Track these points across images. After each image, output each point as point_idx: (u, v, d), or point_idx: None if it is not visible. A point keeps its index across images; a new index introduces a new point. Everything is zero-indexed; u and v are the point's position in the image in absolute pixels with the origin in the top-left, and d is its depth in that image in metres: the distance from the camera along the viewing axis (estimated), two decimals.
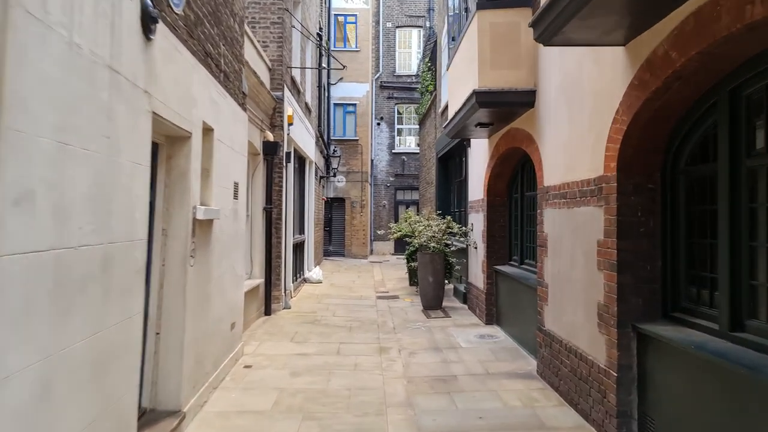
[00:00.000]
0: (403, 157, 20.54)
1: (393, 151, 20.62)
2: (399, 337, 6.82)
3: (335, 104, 18.87)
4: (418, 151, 20.10)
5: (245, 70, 6.24)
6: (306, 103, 11.83)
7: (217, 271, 4.70)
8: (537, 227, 5.19)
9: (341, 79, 18.75)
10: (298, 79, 10.55)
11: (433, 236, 8.65)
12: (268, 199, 8.11)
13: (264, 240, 8.05)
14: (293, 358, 5.75)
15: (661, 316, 3.43)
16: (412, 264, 10.44)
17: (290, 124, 8.98)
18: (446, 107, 11.71)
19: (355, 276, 13.62)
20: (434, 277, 8.61)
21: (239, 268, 5.65)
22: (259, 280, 7.82)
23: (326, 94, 18.02)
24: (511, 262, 7.15)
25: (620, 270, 3.43)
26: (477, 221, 8.00)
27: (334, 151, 16.75)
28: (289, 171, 9.63)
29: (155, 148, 3.68)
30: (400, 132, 20.99)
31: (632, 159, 3.41)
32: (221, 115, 4.71)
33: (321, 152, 15.85)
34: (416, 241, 8.99)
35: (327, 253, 18.64)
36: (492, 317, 7.38)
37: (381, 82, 20.53)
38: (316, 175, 14.30)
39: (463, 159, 10.31)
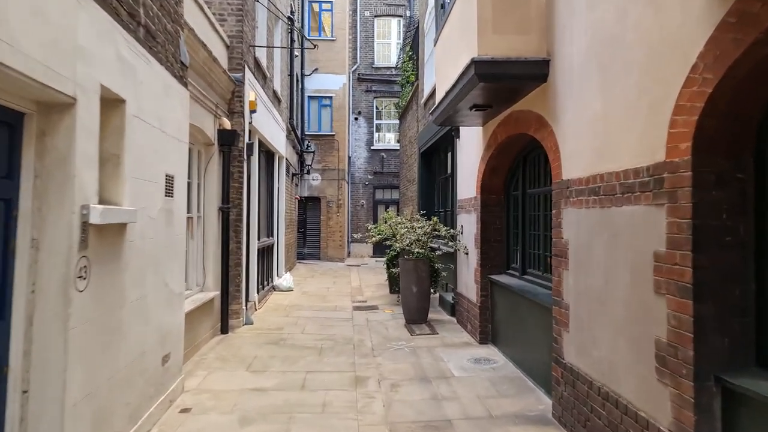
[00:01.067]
0: (383, 153, 19.43)
1: (372, 147, 19.50)
2: (378, 361, 5.70)
3: (310, 97, 17.66)
4: (398, 148, 19.04)
5: (187, 36, 5.04)
6: (274, 91, 10.62)
7: (135, 292, 3.52)
8: (552, 232, 4.13)
9: (316, 69, 17.56)
10: (264, 62, 9.34)
11: (417, 240, 7.56)
12: (225, 197, 6.90)
13: (220, 245, 6.85)
14: (247, 395, 4.58)
15: (754, 363, 2.39)
16: (393, 270, 9.35)
17: (253, 111, 7.78)
18: (430, 96, 10.65)
19: (331, 282, 12.46)
20: (418, 287, 7.53)
21: (176, 283, 4.45)
22: (214, 293, 6.61)
23: (300, 86, 16.82)
24: (510, 271, 6.11)
25: (698, 296, 2.38)
26: (468, 223, 6.94)
27: (308, 146, 15.57)
28: (253, 165, 8.44)
29: (17, 119, 2.49)
30: (379, 128, 19.87)
31: (716, 135, 2.36)
32: (142, 86, 3.53)
33: (293, 147, 14.64)
34: (398, 245, 7.90)
35: (301, 256, 17.43)
36: (487, 335, 6.32)
37: (359, 74, 19.38)
38: (287, 171, 13.10)
39: (450, 153, 9.26)
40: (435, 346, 6.33)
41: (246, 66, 7.60)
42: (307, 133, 17.16)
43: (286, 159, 12.86)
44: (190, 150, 6.04)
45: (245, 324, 7.39)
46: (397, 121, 19.17)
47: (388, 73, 19.49)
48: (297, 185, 16.40)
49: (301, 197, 17.20)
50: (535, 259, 5.47)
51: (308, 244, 17.83)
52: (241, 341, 6.50)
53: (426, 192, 11.88)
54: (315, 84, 17.57)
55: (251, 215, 8.39)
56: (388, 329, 7.32)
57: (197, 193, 6.47)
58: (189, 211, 6.07)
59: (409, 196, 14.26)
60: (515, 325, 5.49)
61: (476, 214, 6.48)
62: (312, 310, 8.67)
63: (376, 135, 19.68)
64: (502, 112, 5.45)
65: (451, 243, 7.43)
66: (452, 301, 7.92)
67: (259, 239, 9.21)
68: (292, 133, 13.57)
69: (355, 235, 8.75)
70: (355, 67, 19.27)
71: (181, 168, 4.52)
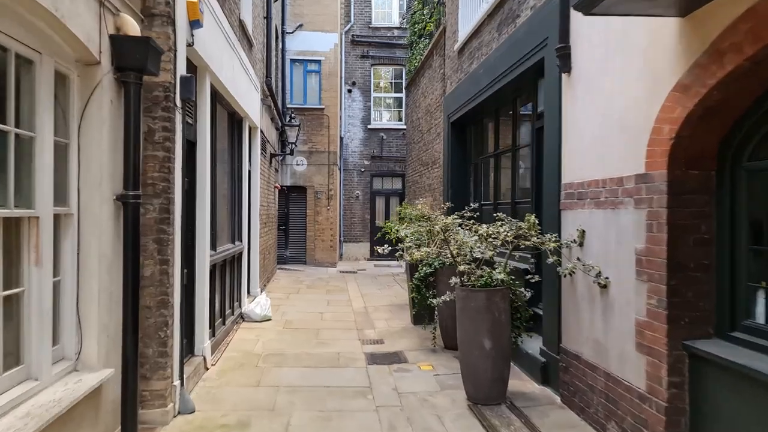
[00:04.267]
0: (382, 134, 16.01)
1: (368, 126, 16.05)
2: None
3: (293, 60, 14.13)
4: (401, 127, 15.66)
5: None
6: (242, 23, 7.11)
7: None
8: None
9: (300, 26, 14.03)
10: None
11: (494, 250, 4.23)
12: (131, 177, 3.46)
13: (121, 272, 3.42)
14: None
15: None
16: (431, 297, 5.99)
17: (196, 23, 4.32)
18: (472, 35, 7.29)
19: (323, 301, 9.06)
20: (494, 340, 4.20)
21: None
22: (100, 375, 3.18)
23: (281, 46, 13.30)
24: (741, 335, 2.80)
25: None
26: (609, 227, 3.61)
27: (292, 118, 12.10)
28: (201, 124, 5.01)
29: None
30: (378, 102, 16.43)
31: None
32: None
33: (272, 120, 11.14)
34: (457, 259, 4.54)
35: (283, 260, 13.99)
36: None
37: (353, 36, 15.88)
38: (263, 150, 9.63)
39: (532, 106, 5.98)
40: None
41: None
42: (290, 105, 13.66)
43: (262, 132, 9.38)
44: (19, 64, 2.62)
45: (180, 414, 3.98)
46: (401, 95, 15.78)
47: (388, 34, 16.04)
48: (277, 170, 12.91)
49: (282, 186, 13.73)
50: None
51: (291, 245, 14.37)
52: None
53: (457, 178, 8.54)
54: (299, 44, 14.05)
55: (198, 212, 4.97)
56: (443, 419, 3.99)
57: (63, 167, 3.01)
58: (16, 203, 2.66)
59: (423, 185, 10.91)
60: None
61: (645, 210, 3.15)
62: (301, 367, 5.28)
63: (373, 111, 16.24)
64: None
65: (553, 259, 4.08)
66: (542, 360, 4.62)
67: (214, 249, 5.77)
68: (270, 99, 10.09)
69: (379, 250, 5.24)
70: (348, 26, 15.77)
71: None
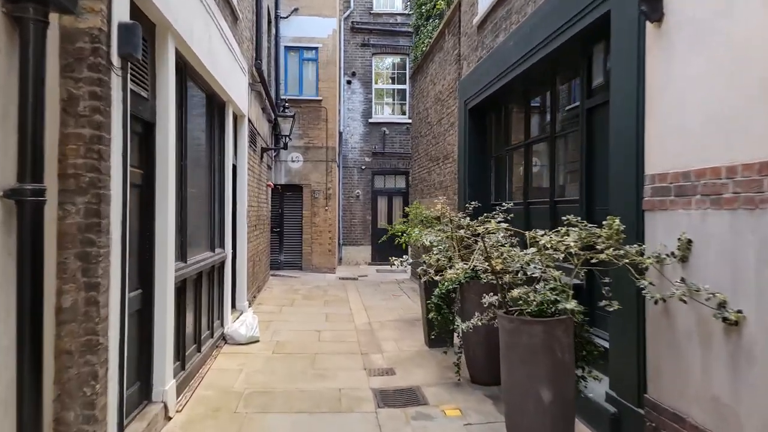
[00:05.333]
0: (384, 128, 14.85)
1: (369, 120, 14.90)
2: None
3: (288, 47, 12.96)
4: (404, 121, 14.53)
5: None
6: None
7: None
8: None
9: (296, 10, 12.86)
10: None
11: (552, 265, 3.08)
12: (33, 164, 2.30)
13: (14, 304, 2.26)
14: None
15: None
16: (454, 317, 4.84)
17: None
18: (499, 1, 6.15)
19: (321, 315, 7.89)
20: (555, 389, 3.05)
21: None
22: None
23: (274, 31, 12.15)
24: None
25: None
26: (741, 235, 2.46)
27: (285, 107, 10.92)
28: (163, 100, 3.85)
29: None
30: (379, 95, 15.27)
31: None
32: None
33: (263, 110, 9.98)
34: (504, 279, 3.39)
35: (277, 266, 12.82)
36: None
37: (352, 22, 14.72)
38: (252, 142, 8.47)
39: (583, 82, 4.85)
40: None
41: None
42: (284, 97, 12.48)
43: (251, 123, 8.22)
44: None
45: None
46: (405, 86, 14.64)
47: (391, 21, 14.89)
48: (270, 167, 11.75)
49: (276, 185, 12.57)
50: None
51: (286, 249, 13.18)
52: None
53: (476, 173, 7.39)
54: (294, 29, 12.87)
55: (158, 214, 3.81)
56: None
57: None
58: None
59: (432, 183, 9.76)
60: None
61: None
62: (293, 413, 4.11)
63: (375, 104, 15.08)
64: None
65: (645, 282, 2.92)
66: (611, 409, 3.45)
67: (184, 260, 4.60)
68: (261, 86, 8.93)
69: (397, 263, 4.07)
70: (348, 12, 14.61)
71: None
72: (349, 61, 14.69)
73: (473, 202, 5.58)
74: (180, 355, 4.48)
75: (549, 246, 2.90)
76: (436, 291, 4.78)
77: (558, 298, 3.03)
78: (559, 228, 3.11)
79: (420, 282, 6.42)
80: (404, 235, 6.64)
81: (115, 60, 2.86)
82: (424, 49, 10.47)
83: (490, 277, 3.58)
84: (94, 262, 2.68)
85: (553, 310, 3.18)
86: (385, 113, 15.23)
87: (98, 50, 2.71)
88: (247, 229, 7.78)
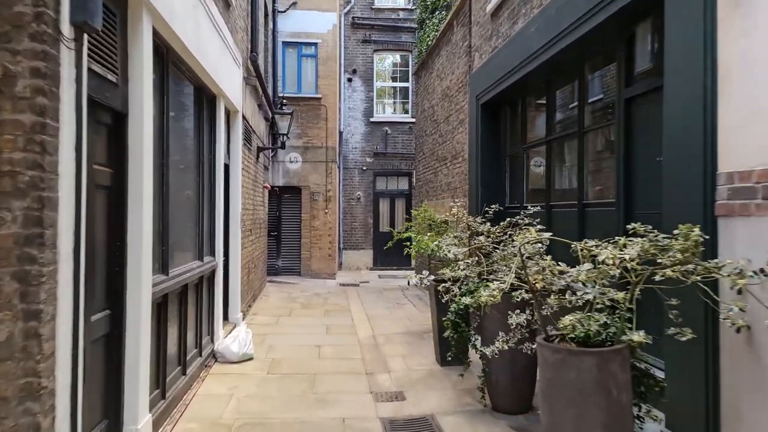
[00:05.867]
0: (386, 128, 14.29)
1: (371, 119, 14.34)
2: None
3: (286, 43, 12.40)
4: (407, 120, 13.98)
5: None
6: None
7: None
8: None
9: (294, 4, 12.30)
10: None
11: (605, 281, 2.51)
12: None
13: None
14: None
15: None
16: (471, 336, 4.27)
17: None
18: None
19: (321, 327, 7.31)
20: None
21: None
22: None
23: (272, 26, 11.59)
24: None
25: None
26: None
27: (283, 104, 10.34)
28: (137, 86, 3.28)
29: None
30: (381, 93, 14.71)
31: None
32: None
33: (259, 107, 9.41)
34: (548, 300, 2.82)
35: (274, 271, 12.23)
36: None
37: (353, 18, 14.17)
38: (247, 141, 7.90)
39: (610, 60, 4.29)
40: None
41: None
42: (282, 94, 11.91)
43: (246, 119, 7.66)
44: None
45: None
46: (408, 84, 14.10)
47: (393, 17, 14.34)
48: (267, 168, 11.18)
49: (273, 186, 12.00)
50: None
51: (284, 254, 12.59)
52: None
53: (489, 174, 6.82)
54: (293, 24, 12.31)
55: (131, 221, 3.25)
56: None
57: None
58: None
59: (439, 185, 9.19)
60: None
61: None
62: None
63: (376, 103, 14.52)
64: None
65: (737, 307, 2.35)
66: None
67: (165, 272, 4.02)
68: (257, 81, 8.36)
69: (418, 280, 3.48)
70: (348, 8, 14.06)
71: None
72: (349, 58, 14.13)
73: (493, 206, 5.02)
74: (159, 381, 3.90)
75: (610, 261, 2.33)
76: (453, 306, 4.20)
77: (617, 326, 2.46)
78: (616, 239, 2.53)
79: (430, 291, 5.88)
80: (413, 243, 6.05)
81: (66, 29, 2.29)
82: (429, 43, 9.93)
83: (524, 296, 3.00)
84: (35, 283, 2.11)
85: (604, 336, 2.61)
86: (387, 112, 14.68)
87: (43, 16, 2.15)
88: (241, 234, 7.22)
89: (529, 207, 4.28)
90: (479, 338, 4.32)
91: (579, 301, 2.62)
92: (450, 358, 4.54)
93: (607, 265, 2.33)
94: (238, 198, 7.00)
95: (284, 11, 12.14)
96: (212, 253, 5.78)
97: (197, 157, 5.20)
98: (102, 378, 3.04)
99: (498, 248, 4.26)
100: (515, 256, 4.20)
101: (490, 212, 4.79)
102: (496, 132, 6.78)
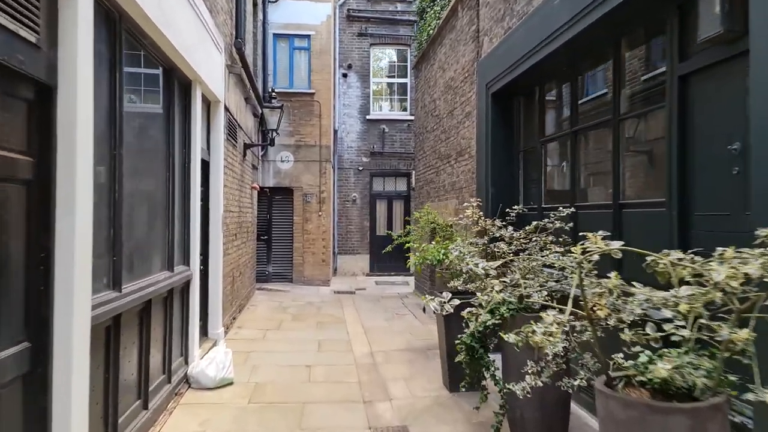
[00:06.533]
0: (383, 126, 13.58)
1: (367, 117, 13.62)
2: None
3: (276, 35, 11.67)
4: (405, 118, 13.30)
5: None
6: None
7: None
8: None
9: None
10: None
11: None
12: None
13: None
14: None
15: None
16: (490, 364, 3.54)
17: None
18: None
19: (313, 343, 6.56)
20: None
21: None
22: None
23: (261, 16, 10.88)
24: None
25: None
26: None
27: (272, 98, 9.59)
28: (69, 50, 2.53)
29: None
30: (378, 89, 14.00)
31: None
32: None
33: (246, 101, 8.67)
34: (635, 338, 2.07)
35: (264, 278, 11.48)
36: None
37: (348, 10, 13.46)
38: (232, 137, 7.16)
39: (655, 33, 3.56)
40: None
41: None
42: (274, 90, 11.16)
43: (229, 111, 6.92)
44: None
45: None
46: (406, 80, 13.42)
47: (390, 9, 13.63)
48: (256, 167, 10.44)
49: (263, 187, 11.26)
50: None
51: (275, 259, 11.83)
52: None
53: (500, 172, 6.11)
54: (284, 15, 11.59)
55: (61, 224, 2.50)
56: None
57: None
58: None
59: (442, 185, 8.48)
60: None
61: None
62: None
63: (373, 100, 13.81)
64: None
65: None
66: None
67: (118, 288, 3.27)
68: (243, 71, 7.62)
69: (439, 305, 2.76)
70: None
71: None
72: (344, 53, 13.42)
73: (516, 207, 4.29)
74: (109, 423, 3.15)
75: (735, 283, 1.61)
76: (471, 327, 3.46)
77: (713, 368, 1.74)
78: (722, 251, 1.81)
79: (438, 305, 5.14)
80: (417, 253, 5.32)
81: None
82: (430, 32, 9.23)
83: (583, 324, 2.28)
84: None
85: (691, 383, 1.89)
86: (384, 109, 13.97)
87: None
88: (223, 239, 6.47)
89: (561, 208, 3.56)
90: (499, 367, 3.61)
91: (655, 335, 1.90)
92: (464, 389, 3.79)
93: (720, 287, 1.61)
94: (219, 199, 6.25)
95: (275, 1, 11.42)
96: (186, 261, 5.03)
97: (166, 150, 4.45)
98: None
99: (516, 258, 3.54)
100: (547, 267, 3.49)
101: (512, 214, 4.07)
102: (509, 125, 6.07)
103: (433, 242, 5.31)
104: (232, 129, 7.14)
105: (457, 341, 3.62)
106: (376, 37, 13.53)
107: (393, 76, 13.92)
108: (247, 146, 8.49)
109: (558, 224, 3.42)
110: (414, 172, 11.67)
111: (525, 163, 5.94)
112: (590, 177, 4.55)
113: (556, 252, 3.33)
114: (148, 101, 4.08)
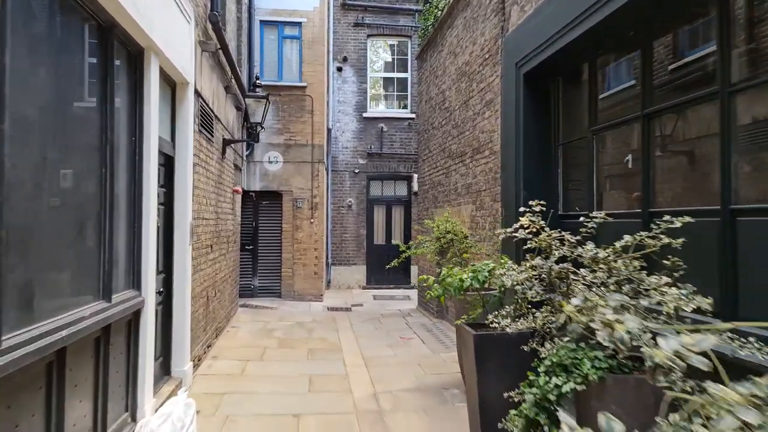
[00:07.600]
0: (381, 124, 12.43)
1: (364, 114, 12.48)
2: None
3: (264, 22, 10.51)
4: (406, 116, 12.18)
5: None
6: None
7: None
8: None
9: None
10: None
11: None
12: None
13: None
14: None
15: None
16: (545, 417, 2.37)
17: None
18: None
19: (302, 381, 5.34)
20: None
21: None
22: None
23: (247, 0, 9.75)
24: None
25: None
26: None
27: (256, 87, 8.40)
28: None
29: None
30: (376, 85, 12.87)
31: None
32: None
33: (227, 90, 7.48)
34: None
35: (249, 293, 10.26)
36: None
37: None
38: (206, 129, 5.97)
39: None
40: None
41: None
42: (261, 82, 9.98)
43: (203, 99, 5.74)
44: None
45: None
46: (406, 74, 12.33)
47: None
48: (240, 168, 9.25)
49: (247, 191, 10.07)
50: None
51: (261, 271, 10.60)
52: None
53: (534, 170, 4.97)
54: (272, 0, 10.44)
55: None
56: None
57: None
58: None
59: (453, 188, 7.34)
60: None
61: None
62: None
63: (370, 95, 12.67)
64: None
65: None
66: None
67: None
68: (221, 51, 6.46)
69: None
70: None
71: None
72: (339, 44, 12.28)
73: (595, 214, 3.14)
74: None
75: None
76: (534, 392, 2.30)
77: None
78: None
79: (461, 335, 4.01)
80: (440, 281, 4.15)
81: None
82: (437, 14, 8.12)
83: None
84: None
85: None
86: (382, 106, 12.84)
87: None
88: (193, 253, 5.27)
89: (670, 218, 2.41)
90: None
91: None
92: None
93: None
94: (187, 203, 5.05)
95: None
96: (134, 284, 3.82)
97: (100, 136, 3.26)
98: None
99: (605, 291, 2.39)
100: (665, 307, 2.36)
101: (590, 224, 2.92)
102: (545, 113, 4.94)
103: (450, 259, 4.15)
104: (206, 120, 5.96)
105: (514, 413, 2.44)
106: (373, 27, 12.41)
107: (392, 71, 12.79)
108: (227, 142, 7.30)
109: (664, 240, 2.29)
110: (416, 174, 10.54)
111: (565, 159, 4.81)
112: (675, 173, 3.41)
113: (664, 289, 2.18)
114: (70, 65, 2.90)
